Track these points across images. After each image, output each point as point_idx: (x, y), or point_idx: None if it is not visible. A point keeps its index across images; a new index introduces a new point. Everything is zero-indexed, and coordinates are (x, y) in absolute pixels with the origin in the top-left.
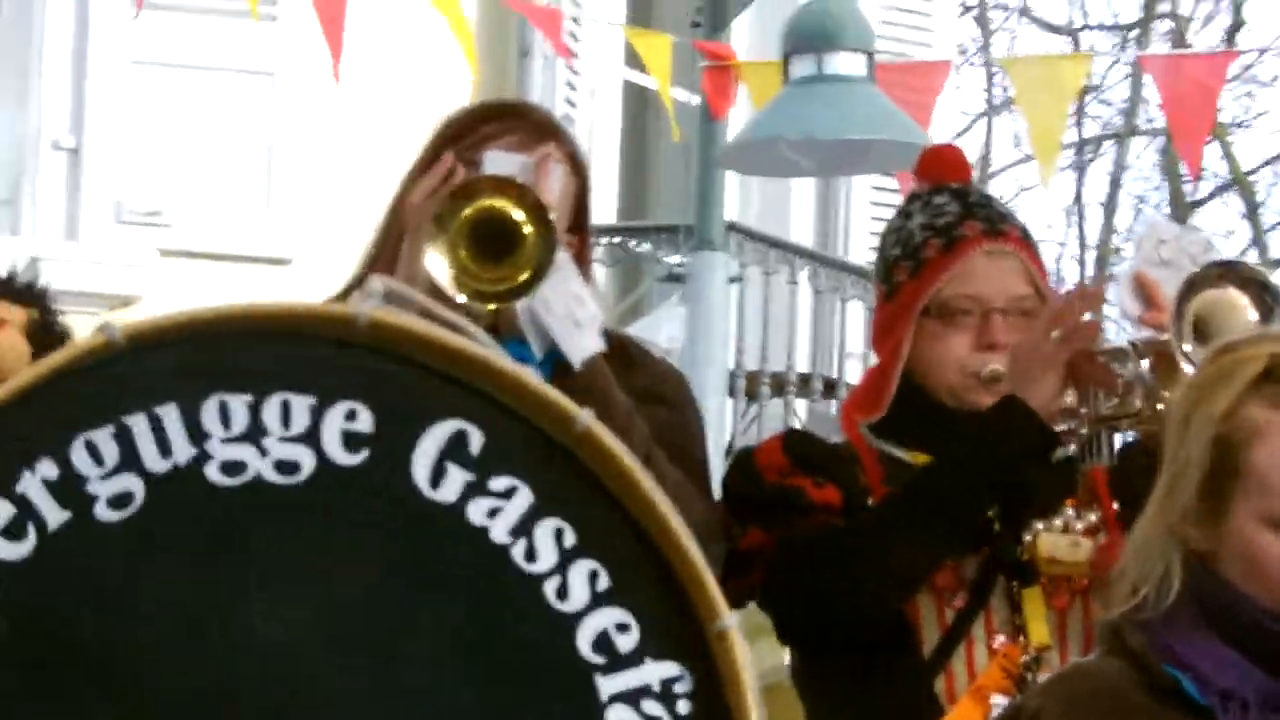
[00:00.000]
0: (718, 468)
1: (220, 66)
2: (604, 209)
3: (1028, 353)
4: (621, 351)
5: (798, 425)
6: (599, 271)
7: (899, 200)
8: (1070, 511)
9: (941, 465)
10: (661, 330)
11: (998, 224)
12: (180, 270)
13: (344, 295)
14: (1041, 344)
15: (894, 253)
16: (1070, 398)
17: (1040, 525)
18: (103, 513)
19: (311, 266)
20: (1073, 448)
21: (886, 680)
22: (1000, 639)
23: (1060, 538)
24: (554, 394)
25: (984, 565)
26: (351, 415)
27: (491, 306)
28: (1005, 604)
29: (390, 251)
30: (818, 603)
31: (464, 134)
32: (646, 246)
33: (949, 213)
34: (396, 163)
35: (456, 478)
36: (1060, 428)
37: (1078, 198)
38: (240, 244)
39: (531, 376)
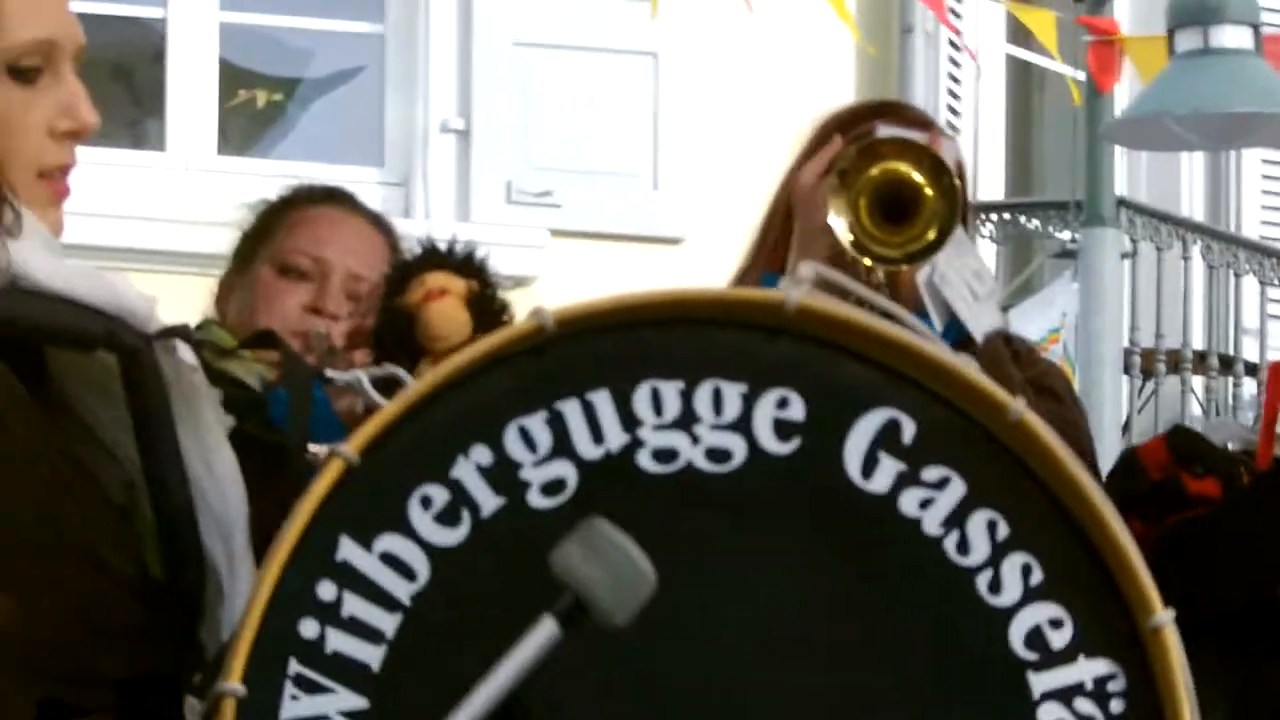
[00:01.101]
0: (1113, 444)
1: (604, 47)
2: (992, 185)
3: None
4: (1006, 343)
5: (1187, 422)
6: (989, 248)
7: None
8: None
9: None
10: (1055, 306)
11: None
12: (571, 251)
13: (740, 278)
14: None
15: None
16: None
17: None
18: (535, 499)
19: (701, 246)
20: None
21: (1262, 669)
22: None
23: None
24: (987, 382)
25: None
26: (783, 403)
27: (904, 268)
28: None
29: (778, 234)
30: (1189, 595)
31: (846, 130)
32: (1036, 223)
33: None
34: (782, 142)
35: (889, 468)
36: None
37: None
38: (630, 224)
39: (965, 364)
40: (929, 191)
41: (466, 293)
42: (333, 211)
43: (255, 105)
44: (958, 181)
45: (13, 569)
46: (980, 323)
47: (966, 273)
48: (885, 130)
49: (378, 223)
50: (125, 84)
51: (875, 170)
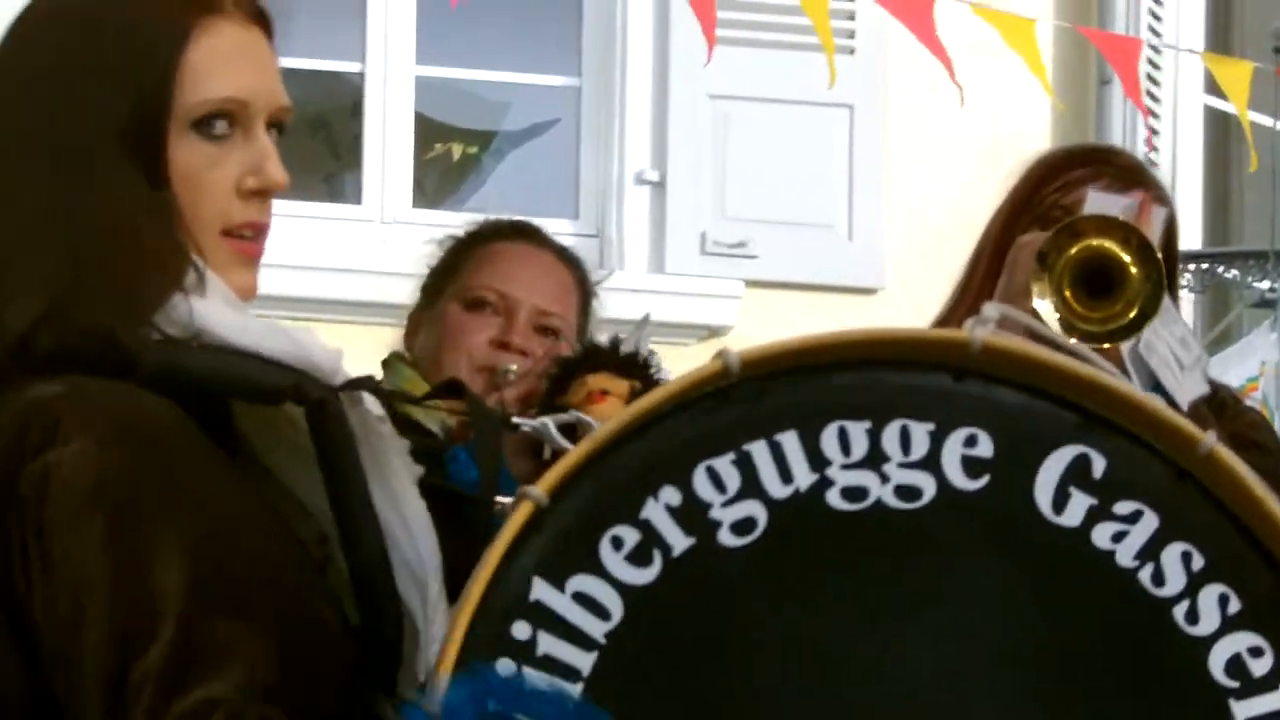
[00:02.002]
0: None
1: (799, 99)
2: (1190, 235)
3: None
4: (1214, 393)
5: None
6: (1187, 299)
7: None
8: None
9: None
10: (1254, 355)
11: None
12: (766, 301)
13: (939, 327)
14: None
15: None
16: None
17: None
18: (726, 538)
19: (896, 297)
20: None
21: None
22: None
23: None
24: (1175, 417)
25: None
26: (971, 441)
27: (1105, 346)
28: None
29: (980, 284)
30: None
31: (1054, 177)
32: (1234, 273)
33: None
34: (979, 192)
35: (1080, 502)
36: None
37: None
38: (825, 274)
39: (1152, 400)
40: (1134, 270)
41: (629, 394)
42: (520, 246)
43: (450, 158)
44: (1160, 255)
45: (224, 625)
46: (1186, 391)
47: (1173, 341)
48: (1093, 204)
49: (565, 257)
50: (323, 138)
51: (1075, 249)
